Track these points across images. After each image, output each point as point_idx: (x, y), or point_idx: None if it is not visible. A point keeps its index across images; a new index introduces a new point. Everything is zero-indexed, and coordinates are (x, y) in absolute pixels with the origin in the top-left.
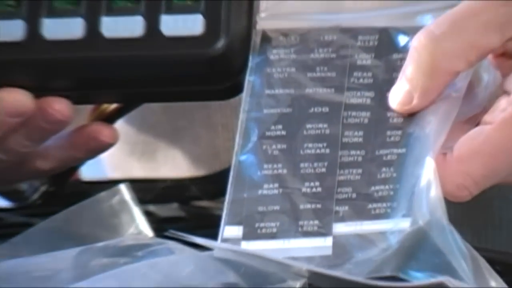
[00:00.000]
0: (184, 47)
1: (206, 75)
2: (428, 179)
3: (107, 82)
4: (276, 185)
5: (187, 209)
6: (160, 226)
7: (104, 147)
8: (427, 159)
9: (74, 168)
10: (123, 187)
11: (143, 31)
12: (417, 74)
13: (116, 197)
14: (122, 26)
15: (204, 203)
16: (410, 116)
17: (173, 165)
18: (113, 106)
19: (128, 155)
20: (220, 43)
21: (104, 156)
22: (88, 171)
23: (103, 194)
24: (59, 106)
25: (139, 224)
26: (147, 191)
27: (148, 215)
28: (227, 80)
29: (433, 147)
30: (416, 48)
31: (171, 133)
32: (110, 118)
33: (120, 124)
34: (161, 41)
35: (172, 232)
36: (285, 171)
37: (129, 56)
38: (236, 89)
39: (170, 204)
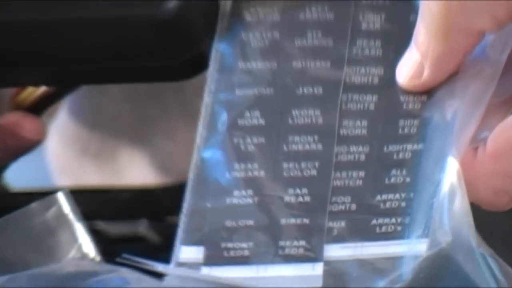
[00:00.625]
0: (126, 8)
1: (155, 45)
2: (451, 185)
3: (28, 55)
4: (250, 191)
5: (156, 227)
6: (116, 247)
7: (26, 145)
8: (449, 158)
9: None
10: (60, 196)
11: None
12: (428, 36)
13: (51, 209)
14: None
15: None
16: (430, 99)
17: (140, 168)
18: (40, 91)
19: (79, 156)
20: (172, 2)
21: (48, 157)
22: (25, 178)
23: (34, 205)
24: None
25: (83, 245)
26: (105, 203)
27: (102, 234)
28: (184, 52)
29: (458, 141)
30: (425, 2)
31: (137, 126)
32: (36, 107)
33: (68, 116)
34: (97, 1)
35: (125, 257)
36: (262, 173)
37: (57, 20)
38: (198, 65)
39: (135, 220)
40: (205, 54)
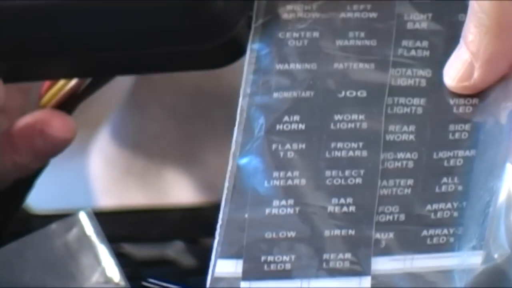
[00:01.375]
0: None
1: (188, 28)
2: (508, 194)
3: (53, 43)
4: (291, 201)
5: (188, 249)
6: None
7: (55, 144)
8: (508, 165)
9: (23, 185)
10: (83, 216)
11: None
12: (479, 35)
13: (73, 230)
14: None
15: None
16: (482, 102)
17: (188, 186)
18: (69, 86)
19: (123, 176)
20: None
21: (91, 178)
22: (65, 200)
23: (54, 226)
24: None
25: (106, 269)
26: (152, 223)
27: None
28: (219, 36)
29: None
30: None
31: (183, 143)
32: (65, 105)
33: (110, 135)
34: None
35: (152, 281)
36: (303, 181)
37: (83, 3)
38: (234, 50)
39: (173, 242)
40: (241, 39)
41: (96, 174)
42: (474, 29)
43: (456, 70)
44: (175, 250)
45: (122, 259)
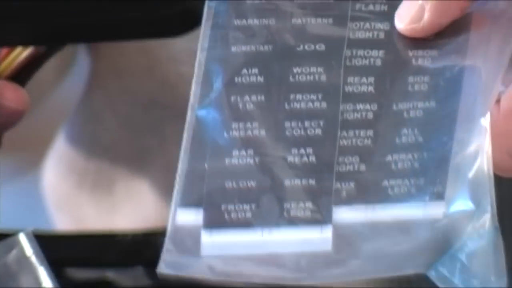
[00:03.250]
0: None
1: None
2: (476, 147)
3: (6, 8)
4: (251, 151)
5: (125, 271)
6: None
7: (7, 115)
8: (478, 117)
9: None
10: (22, 238)
11: None
12: None
13: (12, 251)
14: None
15: None
16: (441, 54)
17: (137, 202)
18: (22, 57)
19: (75, 189)
20: None
21: (45, 189)
22: (20, 213)
23: None
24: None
25: None
26: (103, 247)
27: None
28: (174, 3)
29: (485, 99)
30: None
31: (134, 156)
32: (19, 76)
33: (64, 145)
34: None
35: None
36: (263, 132)
37: None
38: (190, 19)
39: (130, 268)
40: (197, 9)
41: (49, 189)
42: None
43: (407, 13)
44: (120, 274)
45: (64, 282)
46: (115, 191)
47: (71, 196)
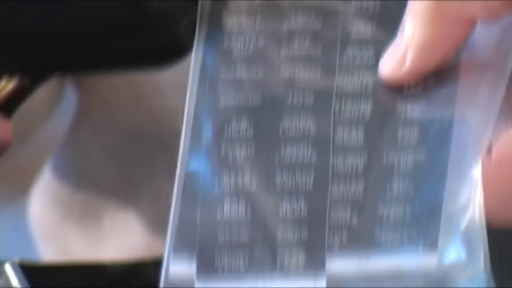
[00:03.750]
0: None
1: (128, 22)
2: (467, 198)
3: None
4: (242, 204)
5: None
6: None
7: None
8: (468, 168)
9: None
10: (8, 268)
11: None
12: (413, 22)
13: None
14: None
15: None
16: (430, 105)
17: (125, 234)
18: (10, 87)
19: (62, 221)
20: None
21: (32, 221)
22: (7, 245)
23: None
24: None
25: None
26: (91, 277)
27: None
28: (160, 32)
29: (475, 150)
30: None
31: (121, 188)
32: (4, 107)
33: (51, 176)
34: None
35: None
36: (254, 185)
37: None
38: (176, 50)
39: None
40: (184, 38)
41: (35, 221)
42: (410, 18)
43: (390, 59)
44: None
45: None
46: (102, 223)
47: (57, 228)
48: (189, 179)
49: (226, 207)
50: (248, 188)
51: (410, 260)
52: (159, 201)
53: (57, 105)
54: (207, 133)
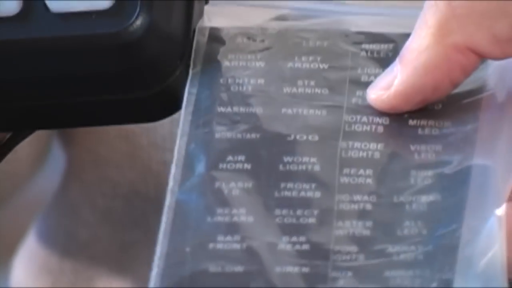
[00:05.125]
0: (82, 27)
1: (119, 73)
2: (485, 235)
3: None
4: (237, 236)
5: None
6: None
7: None
8: (497, 211)
9: None
10: None
11: (20, 7)
12: (411, 47)
13: None
14: None
15: None
16: (446, 148)
17: None
18: None
19: None
20: (139, 21)
21: None
22: None
23: None
24: None
25: None
26: None
27: None
28: (154, 83)
29: (500, 192)
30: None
31: (116, 252)
32: None
33: (37, 242)
34: (47, 20)
35: None
36: (251, 218)
37: (6, 46)
38: (169, 102)
39: None
40: (178, 89)
41: None
42: (408, 42)
43: (379, 81)
44: None
45: None
46: None
47: None
48: (179, 209)
49: (220, 238)
50: (244, 219)
51: None
52: None
53: (43, 162)
54: (200, 165)
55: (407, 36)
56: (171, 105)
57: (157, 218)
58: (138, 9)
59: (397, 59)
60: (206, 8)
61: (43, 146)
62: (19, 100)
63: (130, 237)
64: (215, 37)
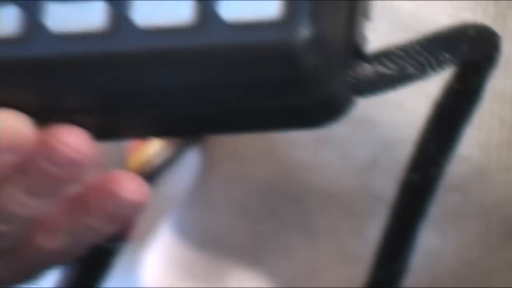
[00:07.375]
0: (254, 36)
1: (286, 79)
2: None
3: (127, 96)
4: None
5: None
6: None
7: (125, 208)
8: None
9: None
10: None
11: (194, 16)
12: None
13: None
14: (163, 11)
15: None
16: None
17: None
18: (152, 152)
19: (183, 281)
20: (307, 30)
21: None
22: None
23: None
24: (71, 139)
25: None
26: None
27: None
28: (317, 89)
29: None
30: None
31: (249, 244)
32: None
33: (172, 235)
34: (220, 30)
35: None
36: None
37: (177, 54)
38: (331, 108)
39: None
40: (340, 96)
41: (152, 281)
42: None
43: None
44: None
45: None
46: (227, 282)
47: (178, 286)
48: None
49: None
50: None
51: None
52: (292, 259)
53: (178, 158)
54: None
55: None
56: (332, 114)
57: (290, 212)
58: (306, 18)
59: None
60: None
61: (179, 143)
62: (194, 106)
63: (264, 231)
64: None
